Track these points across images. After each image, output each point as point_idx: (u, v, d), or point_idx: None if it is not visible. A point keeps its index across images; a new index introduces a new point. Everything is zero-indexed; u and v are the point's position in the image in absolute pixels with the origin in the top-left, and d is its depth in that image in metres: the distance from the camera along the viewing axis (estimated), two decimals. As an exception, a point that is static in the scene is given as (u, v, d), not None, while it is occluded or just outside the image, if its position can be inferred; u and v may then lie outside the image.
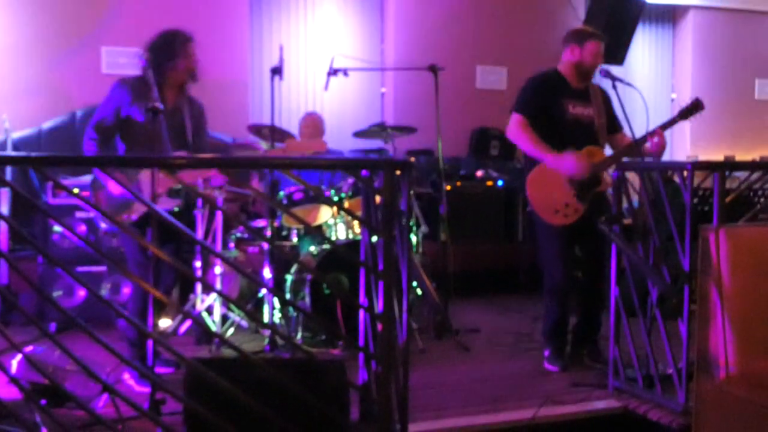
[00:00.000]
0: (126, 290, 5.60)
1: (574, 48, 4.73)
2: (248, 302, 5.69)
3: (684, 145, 9.28)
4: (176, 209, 4.37)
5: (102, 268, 5.68)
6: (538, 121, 4.62)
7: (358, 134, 6.04)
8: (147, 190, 4.13)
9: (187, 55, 4.42)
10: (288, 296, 5.22)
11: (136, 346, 4.33)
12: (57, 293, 5.54)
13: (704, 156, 8.94)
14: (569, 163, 4.51)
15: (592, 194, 4.59)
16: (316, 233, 5.49)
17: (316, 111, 6.78)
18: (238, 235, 5.85)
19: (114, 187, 4.14)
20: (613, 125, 4.83)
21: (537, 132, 4.60)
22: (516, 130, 4.64)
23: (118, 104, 4.32)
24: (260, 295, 5.59)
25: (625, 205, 4.35)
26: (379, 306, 2.94)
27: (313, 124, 6.38)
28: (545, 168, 4.61)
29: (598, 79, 4.83)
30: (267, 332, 5.13)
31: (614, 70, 4.78)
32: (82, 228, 5.58)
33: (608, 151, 4.79)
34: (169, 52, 4.37)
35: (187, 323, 5.42)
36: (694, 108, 4.52)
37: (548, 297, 4.75)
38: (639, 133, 4.53)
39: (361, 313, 3.44)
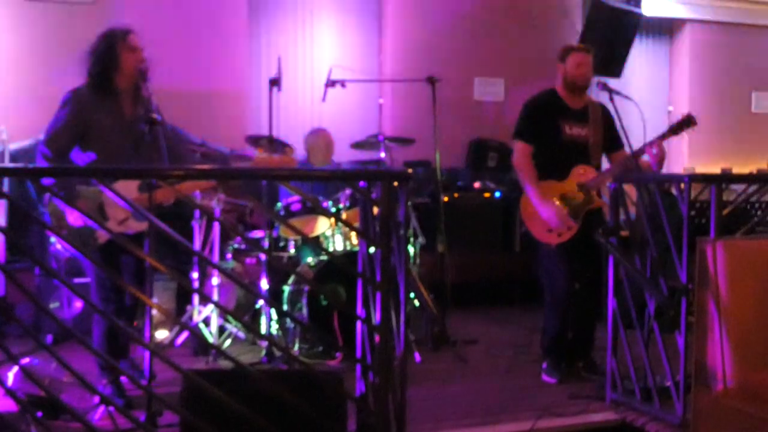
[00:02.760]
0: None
1: (559, 66, 4.79)
2: (245, 313, 5.68)
3: (681, 158, 9.31)
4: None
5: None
6: (537, 142, 4.66)
7: (356, 145, 6.04)
8: (113, 211, 3.96)
9: (130, 48, 4.04)
10: (285, 307, 5.21)
11: (106, 369, 4.08)
12: (54, 305, 5.53)
13: (701, 168, 8.97)
14: (550, 216, 4.56)
15: (584, 212, 4.60)
16: (314, 244, 5.49)
17: (322, 126, 6.59)
18: (236, 246, 5.85)
19: (72, 219, 3.89)
20: (612, 143, 4.83)
21: (536, 152, 4.65)
22: (520, 160, 4.71)
23: (73, 117, 4.01)
24: (257, 306, 5.59)
25: (622, 217, 4.35)
26: (376, 317, 2.94)
27: (330, 141, 6.21)
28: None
29: (596, 93, 4.84)
30: (264, 344, 5.12)
31: (611, 82, 4.80)
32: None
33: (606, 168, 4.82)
34: (112, 54, 4.02)
35: (184, 335, 5.41)
36: (685, 123, 4.52)
37: (549, 310, 4.75)
38: (636, 145, 4.55)
39: (359, 324, 3.44)
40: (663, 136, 4.54)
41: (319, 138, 6.20)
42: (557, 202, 4.60)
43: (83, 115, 4.03)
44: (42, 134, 4.10)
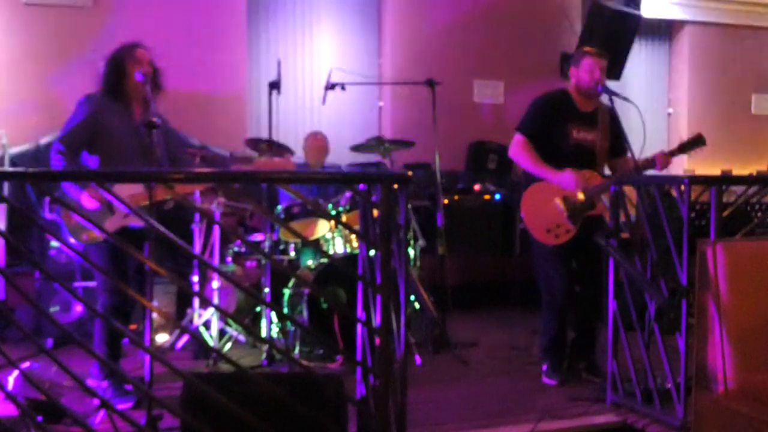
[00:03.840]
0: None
1: (573, 71, 4.75)
2: (246, 317, 5.68)
3: (681, 160, 9.30)
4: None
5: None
6: (542, 143, 4.65)
7: (356, 148, 6.05)
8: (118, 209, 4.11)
9: (136, 61, 4.31)
10: (285, 310, 5.21)
11: (106, 367, 4.16)
12: (54, 308, 5.52)
13: (701, 170, 8.96)
14: (568, 179, 4.54)
15: (583, 217, 4.59)
16: (314, 247, 5.48)
17: (319, 130, 6.68)
18: (236, 249, 5.85)
19: (86, 203, 4.06)
20: (617, 148, 4.80)
21: (540, 154, 4.64)
22: (517, 149, 4.69)
23: (90, 116, 4.24)
24: (258, 309, 5.58)
25: (622, 219, 4.35)
26: (376, 320, 2.94)
27: (322, 144, 6.31)
28: (540, 187, 4.65)
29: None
30: (265, 347, 5.11)
31: (610, 84, 4.80)
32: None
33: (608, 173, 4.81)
34: (120, 66, 4.31)
35: (185, 338, 5.41)
36: (694, 142, 4.53)
37: (547, 312, 4.74)
38: (636, 148, 4.55)
39: (359, 327, 3.44)
40: (672, 153, 4.56)
41: (309, 140, 6.30)
42: (559, 204, 4.58)
43: (96, 117, 4.24)
44: (47, 138, 4.18)
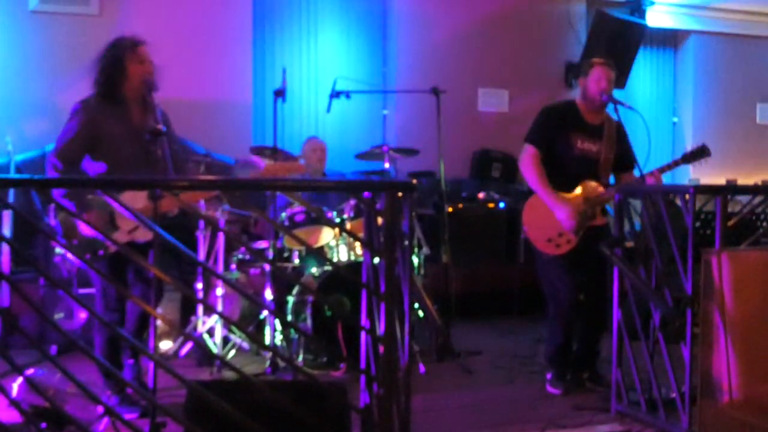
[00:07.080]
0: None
1: (581, 80, 4.76)
2: (250, 324, 5.68)
3: (686, 169, 9.30)
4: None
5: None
6: (546, 152, 4.65)
7: (360, 156, 6.05)
8: (123, 220, 3.94)
9: (139, 60, 4.06)
10: (289, 318, 5.21)
11: (111, 376, 4.07)
12: (58, 315, 5.53)
13: (706, 180, 8.96)
14: (562, 215, 4.54)
15: (585, 227, 4.59)
16: (318, 255, 5.49)
17: (317, 135, 6.65)
18: (240, 256, 5.85)
19: (84, 228, 3.87)
20: (623, 162, 4.79)
21: (544, 162, 4.65)
22: (527, 162, 4.68)
23: (84, 126, 4.01)
24: (262, 316, 5.59)
25: (627, 228, 4.35)
26: (380, 328, 2.94)
27: (321, 148, 6.26)
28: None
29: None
30: (268, 354, 5.11)
31: (615, 93, 4.80)
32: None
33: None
34: (119, 64, 4.03)
35: (188, 345, 5.41)
36: (699, 153, 4.54)
37: (552, 321, 4.74)
38: (641, 157, 4.55)
39: (363, 335, 3.43)
40: (675, 163, 4.56)
41: (308, 145, 6.24)
42: (574, 201, 4.57)
43: (93, 124, 4.03)
44: (51, 145, 4.08)
